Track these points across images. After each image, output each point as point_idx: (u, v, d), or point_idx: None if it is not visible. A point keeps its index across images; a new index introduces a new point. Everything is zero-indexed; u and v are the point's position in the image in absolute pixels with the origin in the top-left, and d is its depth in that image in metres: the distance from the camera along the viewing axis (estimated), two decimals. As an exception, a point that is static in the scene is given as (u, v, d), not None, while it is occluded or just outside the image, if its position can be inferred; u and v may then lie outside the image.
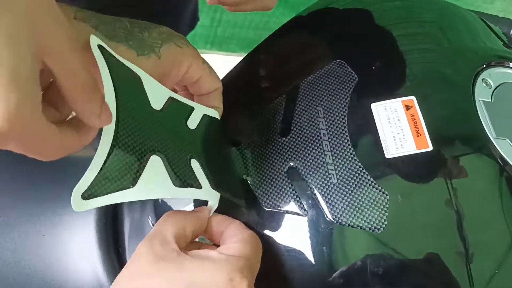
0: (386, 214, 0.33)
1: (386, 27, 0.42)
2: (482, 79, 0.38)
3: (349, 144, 0.35)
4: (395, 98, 0.36)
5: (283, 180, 0.36)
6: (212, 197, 0.35)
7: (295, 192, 0.35)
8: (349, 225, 0.33)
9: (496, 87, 0.39)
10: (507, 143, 0.35)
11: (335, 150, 0.35)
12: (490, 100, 0.38)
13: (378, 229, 0.33)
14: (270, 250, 0.34)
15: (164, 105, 0.34)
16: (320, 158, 0.35)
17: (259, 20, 1.13)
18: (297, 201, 0.35)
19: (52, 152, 0.25)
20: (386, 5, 0.45)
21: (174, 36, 0.35)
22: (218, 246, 0.33)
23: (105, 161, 0.30)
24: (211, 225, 0.34)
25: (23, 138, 0.22)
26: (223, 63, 1.22)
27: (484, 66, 0.39)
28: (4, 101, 0.20)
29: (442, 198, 0.33)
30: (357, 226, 0.33)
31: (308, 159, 0.36)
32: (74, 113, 0.28)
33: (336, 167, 0.35)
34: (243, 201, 0.36)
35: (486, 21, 0.47)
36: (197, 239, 0.35)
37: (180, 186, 0.33)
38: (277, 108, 0.39)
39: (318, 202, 0.34)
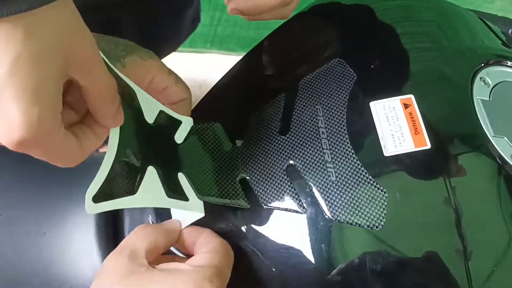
0: (385, 211, 0.33)
1: (385, 26, 0.42)
2: (481, 78, 0.39)
3: (348, 142, 0.35)
4: (394, 96, 0.36)
5: (282, 178, 0.36)
6: (198, 208, 0.36)
7: (294, 190, 0.35)
8: (347, 222, 0.33)
9: (494, 86, 0.39)
10: (505, 141, 0.36)
11: (334, 148, 0.35)
12: (488, 99, 0.38)
13: (377, 227, 0.33)
14: (269, 248, 0.35)
15: (155, 119, 0.36)
16: (319, 156, 0.36)
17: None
18: (296, 199, 0.35)
19: (72, 159, 0.28)
20: (385, 4, 0.45)
21: (139, 50, 0.35)
22: (192, 256, 0.34)
23: (111, 168, 0.31)
24: (182, 236, 0.35)
25: (44, 146, 0.25)
26: (223, 62, 1.22)
27: (483, 64, 0.39)
28: (27, 113, 0.23)
29: (440, 196, 0.33)
30: (356, 223, 0.33)
31: (307, 157, 0.36)
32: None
33: (335, 165, 0.35)
34: (243, 200, 0.36)
35: (485, 20, 0.47)
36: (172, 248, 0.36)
37: (170, 197, 0.35)
38: (276, 106, 0.39)
39: (317, 199, 0.34)
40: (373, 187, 0.34)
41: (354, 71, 0.39)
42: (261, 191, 0.36)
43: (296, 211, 0.35)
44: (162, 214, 0.40)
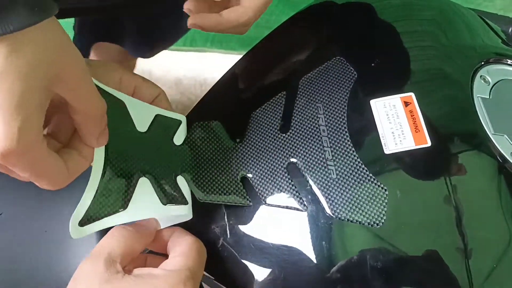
0: (385, 209, 0.33)
1: (385, 24, 0.42)
2: (481, 76, 0.39)
3: (348, 140, 0.35)
4: (394, 94, 0.36)
5: (283, 176, 0.36)
6: (189, 211, 0.36)
7: (295, 187, 0.35)
8: (348, 220, 0.33)
9: (494, 84, 0.39)
10: (504, 139, 0.36)
11: (334, 146, 0.36)
12: (488, 97, 0.38)
13: (377, 224, 0.33)
14: (269, 245, 0.35)
15: (149, 126, 0.36)
16: (320, 154, 0.36)
17: (259, 18, 1.13)
18: (297, 197, 0.35)
19: (58, 180, 0.28)
20: (386, 2, 0.45)
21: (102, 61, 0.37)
22: (164, 254, 0.35)
23: (97, 188, 0.31)
24: (156, 237, 0.35)
25: (25, 160, 0.25)
26: (223, 61, 1.22)
27: (483, 63, 0.40)
28: (8, 124, 0.24)
29: (441, 194, 0.33)
30: (356, 221, 0.33)
31: (308, 155, 0.36)
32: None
33: (335, 162, 0.35)
34: (244, 198, 0.36)
35: (485, 19, 0.47)
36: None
37: (167, 204, 0.35)
38: (277, 104, 0.39)
39: (318, 197, 0.34)
40: (373, 184, 0.34)
41: (355, 69, 0.39)
42: (262, 189, 0.36)
43: (297, 209, 0.35)
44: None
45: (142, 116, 0.36)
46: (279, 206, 0.35)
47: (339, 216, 0.34)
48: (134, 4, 0.57)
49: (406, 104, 0.36)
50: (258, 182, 0.36)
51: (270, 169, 0.36)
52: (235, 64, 0.45)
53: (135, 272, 0.31)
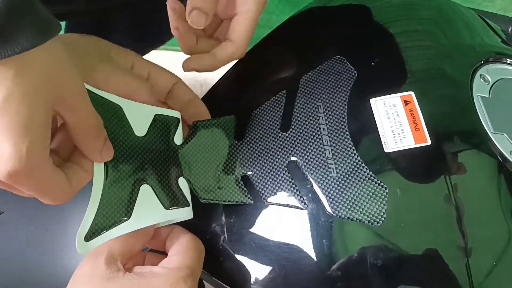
0: (385, 207, 0.33)
1: (385, 24, 0.42)
2: (480, 75, 0.39)
3: (348, 139, 0.35)
4: (394, 93, 0.36)
5: (284, 174, 0.36)
6: (189, 212, 0.36)
7: (296, 186, 0.35)
8: (348, 218, 0.34)
9: (494, 83, 0.39)
10: (504, 138, 0.36)
11: (334, 145, 0.36)
12: (488, 96, 0.38)
13: (377, 223, 0.33)
14: (270, 243, 0.35)
15: (148, 129, 0.36)
16: (320, 153, 0.36)
17: (260, 17, 1.12)
18: (297, 195, 0.35)
19: (62, 195, 0.29)
20: (385, 2, 0.45)
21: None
22: (162, 252, 0.35)
23: (100, 201, 0.32)
24: (154, 235, 0.35)
25: (33, 179, 0.26)
26: (226, 65, 1.21)
27: (482, 62, 0.40)
28: (17, 146, 0.24)
29: (441, 193, 0.33)
30: (357, 219, 0.33)
31: (308, 153, 0.36)
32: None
33: (335, 161, 0.35)
34: (245, 197, 0.36)
35: (485, 18, 0.47)
36: None
37: (169, 208, 0.35)
38: (277, 103, 0.39)
39: (318, 195, 0.35)
40: (373, 183, 0.34)
41: (355, 68, 0.39)
42: (262, 187, 0.36)
43: (298, 207, 0.35)
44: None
45: (140, 118, 0.36)
46: (279, 205, 0.35)
47: (340, 214, 0.34)
48: (124, 5, 0.57)
49: (406, 103, 0.36)
50: (259, 180, 0.36)
51: (271, 168, 0.37)
52: (235, 63, 0.45)
53: (135, 270, 0.31)
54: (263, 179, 0.36)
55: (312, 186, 0.35)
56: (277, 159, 0.37)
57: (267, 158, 0.37)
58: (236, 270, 0.36)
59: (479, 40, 0.43)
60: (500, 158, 0.35)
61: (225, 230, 0.36)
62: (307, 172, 0.36)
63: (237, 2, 0.38)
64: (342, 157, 0.35)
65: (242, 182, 0.37)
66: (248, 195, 0.36)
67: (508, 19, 0.51)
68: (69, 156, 0.32)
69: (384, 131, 0.35)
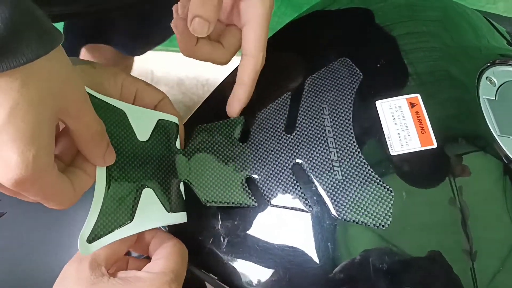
0: (391, 210, 0.33)
1: (390, 25, 0.42)
2: (487, 77, 0.38)
3: (354, 141, 0.35)
4: (400, 95, 0.36)
5: (288, 176, 0.36)
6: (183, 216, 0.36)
7: (300, 188, 0.35)
8: (353, 221, 0.33)
9: (500, 85, 0.39)
10: (511, 141, 0.36)
11: (340, 147, 0.35)
12: (494, 98, 0.38)
13: (383, 226, 0.33)
14: (274, 246, 0.35)
15: (152, 131, 0.36)
16: (325, 155, 0.36)
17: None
18: (302, 198, 0.35)
19: (66, 199, 0.30)
20: (390, 3, 0.45)
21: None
22: (145, 256, 0.36)
23: (102, 204, 0.32)
24: (137, 239, 0.35)
25: (38, 185, 0.27)
26: (228, 66, 1.21)
27: (488, 64, 0.39)
28: (23, 155, 0.25)
29: (446, 196, 0.33)
30: (362, 222, 0.33)
31: (313, 155, 0.36)
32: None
33: (341, 163, 0.35)
34: (249, 199, 0.36)
35: (490, 20, 0.47)
36: None
37: (172, 211, 0.35)
38: (282, 105, 0.39)
39: (323, 198, 0.34)
40: (379, 186, 0.34)
41: (360, 70, 0.39)
42: (267, 189, 0.36)
43: (302, 210, 0.35)
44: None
45: (143, 123, 0.36)
46: (284, 207, 0.35)
47: (345, 217, 0.33)
48: (123, 6, 0.57)
49: (412, 105, 0.36)
50: (263, 183, 0.36)
51: (275, 170, 0.36)
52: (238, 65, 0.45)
53: (120, 275, 0.32)
54: (268, 182, 0.36)
55: (317, 188, 0.35)
56: (281, 161, 0.36)
57: (271, 160, 0.37)
58: (240, 273, 0.35)
59: (485, 41, 0.43)
60: (506, 161, 0.35)
61: (228, 232, 0.36)
62: (312, 175, 0.35)
63: (242, 7, 0.38)
64: (348, 159, 0.35)
65: (246, 184, 0.36)
66: (253, 198, 0.36)
67: (513, 21, 0.51)
68: (72, 161, 0.32)
69: (389, 133, 0.35)
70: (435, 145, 0.34)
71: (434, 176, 0.34)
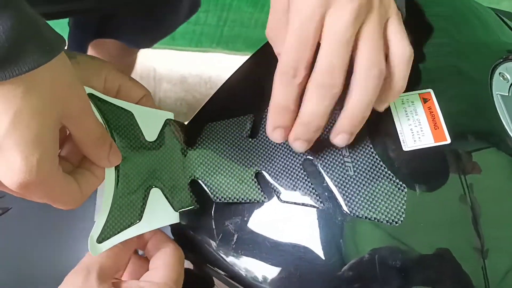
0: (404, 207, 0.33)
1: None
2: (499, 73, 0.38)
3: (366, 137, 0.35)
4: (413, 91, 0.36)
5: (299, 172, 0.35)
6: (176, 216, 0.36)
7: (311, 184, 0.35)
8: (365, 217, 0.33)
9: (514, 81, 0.38)
10: (525, 137, 0.35)
11: (351, 143, 0.35)
12: (508, 94, 0.37)
13: (396, 222, 0.32)
14: (285, 242, 0.34)
15: (160, 131, 0.37)
16: (337, 151, 0.35)
17: (264, 19, 1.12)
18: (313, 194, 0.34)
19: (73, 200, 0.31)
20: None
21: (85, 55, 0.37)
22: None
23: (111, 204, 0.33)
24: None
25: (43, 188, 0.28)
26: (228, 60, 1.22)
27: (501, 60, 0.39)
28: (27, 159, 0.26)
29: (459, 193, 0.33)
30: (374, 218, 0.33)
31: (324, 151, 0.35)
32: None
33: (352, 159, 0.34)
34: (259, 195, 0.36)
35: (501, 16, 0.46)
36: None
37: (178, 210, 0.36)
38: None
39: (334, 194, 0.34)
40: (392, 182, 0.33)
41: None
42: (277, 185, 0.35)
43: (313, 206, 0.34)
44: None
45: (151, 123, 0.36)
46: (294, 203, 0.35)
47: (356, 213, 0.33)
48: (131, 1, 0.57)
49: (425, 100, 0.35)
50: (274, 178, 0.36)
51: (286, 166, 0.36)
52: (245, 61, 0.44)
53: (123, 286, 0.33)
54: (278, 177, 0.36)
55: (328, 184, 0.34)
56: (292, 157, 0.36)
57: (282, 155, 0.36)
58: (249, 269, 0.35)
59: (496, 37, 0.42)
60: (519, 158, 0.35)
61: (238, 228, 0.36)
62: (323, 170, 0.35)
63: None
64: (359, 155, 0.34)
65: (256, 180, 0.36)
66: (263, 193, 0.36)
67: (522, 18, 0.51)
68: (80, 162, 0.33)
69: (402, 129, 0.35)
70: (448, 141, 0.34)
71: (447, 172, 0.34)
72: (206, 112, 0.41)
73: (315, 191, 0.34)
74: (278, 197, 0.35)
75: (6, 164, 0.26)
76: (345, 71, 0.31)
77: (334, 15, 0.30)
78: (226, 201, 0.36)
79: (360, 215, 0.33)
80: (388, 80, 0.33)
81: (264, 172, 0.36)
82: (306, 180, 0.35)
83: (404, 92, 0.36)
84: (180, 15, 0.74)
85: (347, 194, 0.34)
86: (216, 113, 0.40)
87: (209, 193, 0.36)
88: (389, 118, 0.35)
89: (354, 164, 0.34)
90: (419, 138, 0.34)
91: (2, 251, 0.42)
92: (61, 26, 0.76)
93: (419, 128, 0.34)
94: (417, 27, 0.41)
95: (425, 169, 0.34)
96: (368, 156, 0.34)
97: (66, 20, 0.78)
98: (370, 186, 0.33)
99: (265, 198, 0.35)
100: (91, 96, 0.34)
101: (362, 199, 0.33)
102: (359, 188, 0.34)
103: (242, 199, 0.36)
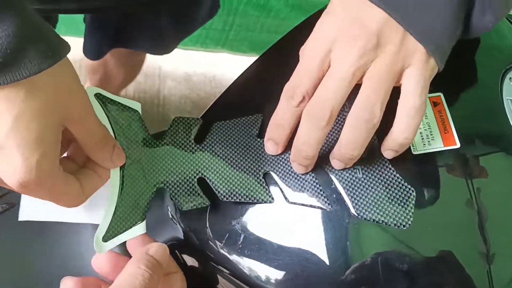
0: (412, 211, 0.32)
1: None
2: (510, 78, 0.38)
3: (375, 139, 0.35)
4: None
5: (308, 174, 0.35)
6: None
7: (319, 186, 0.34)
8: (373, 220, 0.33)
9: (524, 86, 0.38)
10: (535, 143, 0.35)
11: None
12: (518, 99, 0.37)
13: (404, 226, 0.32)
14: (292, 244, 0.34)
15: (166, 131, 0.37)
16: (346, 153, 0.35)
17: (270, 23, 1.12)
18: (321, 195, 0.34)
19: (75, 199, 0.31)
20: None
21: None
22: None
23: (117, 203, 0.33)
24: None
25: (44, 187, 0.28)
26: (232, 60, 1.22)
27: (512, 65, 0.39)
28: (27, 159, 0.27)
29: (468, 197, 0.33)
30: (382, 222, 0.33)
31: (333, 153, 0.35)
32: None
33: (361, 162, 0.34)
34: (267, 196, 0.35)
35: (511, 20, 0.46)
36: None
37: (188, 208, 0.35)
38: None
39: (343, 196, 0.34)
40: (400, 185, 0.33)
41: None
42: (285, 186, 0.35)
43: (321, 208, 0.34)
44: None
45: None
46: (302, 205, 0.35)
47: (364, 216, 0.33)
48: (146, 1, 0.57)
49: (435, 104, 0.35)
50: (282, 179, 0.36)
51: (294, 167, 0.36)
52: (255, 61, 0.44)
53: None
54: (286, 178, 0.35)
55: (336, 186, 0.34)
56: (300, 158, 0.36)
57: (290, 156, 0.36)
58: (255, 269, 0.35)
59: (507, 41, 0.42)
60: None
61: (245, 229, 0.35)
62: (331, 172, 0.35)
63: None
64: (368, 157, 0.34)
65: (264, 181, 0.36)
66: (270, 194, 0.35)
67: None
68: (85, 162, 0.33)
69: (412, 132, 0.34)
70: (458, 145, 0.34)
71: (457, 176, 0.33)
72: (215, 111, 0.41)
73: (323, 193, 0.34)
74: (286, 198, 0.35)
75: (7, 164, 0.27)
76: (338, 106, 0.31)
77: (338, 53, 0.32)
78: (233, 200, 0.36)
79: (368, 218, 0.33)
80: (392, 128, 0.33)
81: (272, 173, 0.36)
82: (314, 182, 0.35)
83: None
84: (199, 15, 0.73)
85: (355, 196, 0.34)
86: (224, 112, 0.40)
87: (216, 192, 0.36)
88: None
89: (363, 166, 0.34)
90: (429, 142, 0.34)
91: (7, 245, 0.43)
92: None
93: (428, 132, 0.34)
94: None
95: (435, 173, 0.34)
96: (377, 158, 0.34)
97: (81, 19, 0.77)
98: (379, 189, 0.33)
99: (272, 199, 0.35)
100: (98, 96, 0.35)
101: (370, 201, 0.33)
102: (368, 191, 0.34)
103: (250, 199, 0.35)
